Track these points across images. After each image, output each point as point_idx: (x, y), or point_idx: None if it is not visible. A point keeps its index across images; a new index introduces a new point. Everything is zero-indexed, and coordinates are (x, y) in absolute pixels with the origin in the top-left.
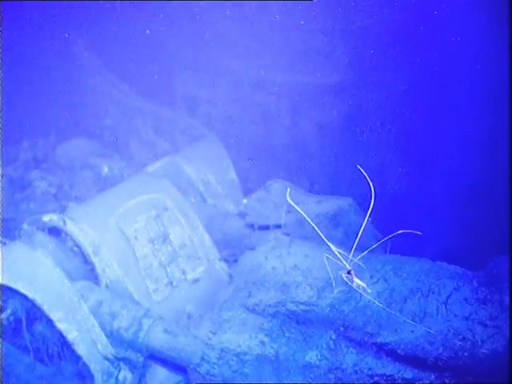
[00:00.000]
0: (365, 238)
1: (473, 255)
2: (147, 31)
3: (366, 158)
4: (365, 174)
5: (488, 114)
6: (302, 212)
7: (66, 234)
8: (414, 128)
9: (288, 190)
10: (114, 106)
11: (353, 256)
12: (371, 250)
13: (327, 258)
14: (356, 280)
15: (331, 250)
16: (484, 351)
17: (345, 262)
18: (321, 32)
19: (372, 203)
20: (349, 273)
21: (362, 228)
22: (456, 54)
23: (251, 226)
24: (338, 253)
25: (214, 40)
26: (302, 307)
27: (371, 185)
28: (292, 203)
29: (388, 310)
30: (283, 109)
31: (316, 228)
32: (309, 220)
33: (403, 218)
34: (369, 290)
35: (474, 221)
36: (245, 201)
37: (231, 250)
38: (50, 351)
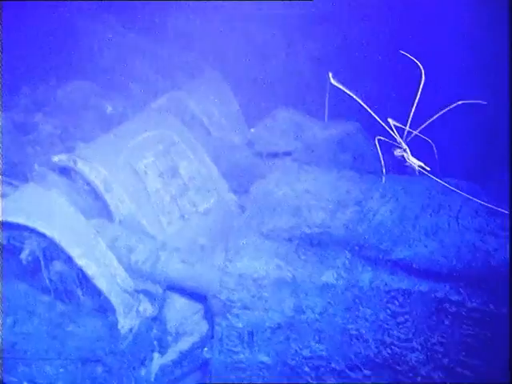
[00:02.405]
0: (370, 161)
1: (478, 170)
2: None
3: (363, 84)
4: (410, 57)
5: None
6: (352, 95)
7: (77, 174)
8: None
9: (330, 74)
10: (110, 46)
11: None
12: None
13: (379, 140)
14: (412, 159)
15: (342, 174)
16: (497, 260)
17: (400, 140)
18: None
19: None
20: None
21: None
22: None
23: (260, 155)
24: (394, 126)
25: None
26: (316, 230)
27: (419, 65)
28: (340, 86)
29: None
30: (278, 41)
31: None
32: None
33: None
34: (428, 168)
35: (478, 137)
36: (252, 130)
37: (240, 180)
38: (68, 289)
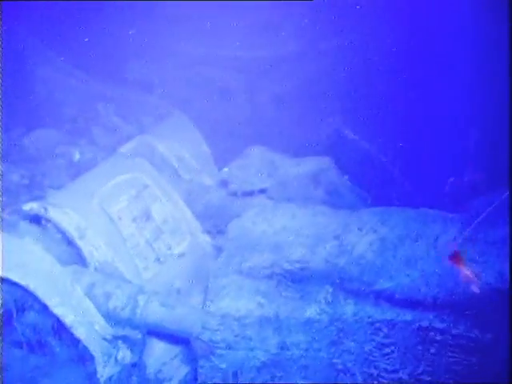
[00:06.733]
0: (344, 195)
1: (451, 200)
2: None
3: (324, 122)
4: None
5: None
6: None
7: (48, 221)
8: (372, 91)
9: None
10: (72, 93)
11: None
12: (355, 206)
13: None
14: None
15: (318, 209)
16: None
17: None
18: (268, 5)
19: None
20: None
21: None
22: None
23: (234, 194)
24: None
25: (159, 22)
26: (296, 265)
27: None
28: None
29: None
30: (238, 84)
31: None
32: None
33: (378, 174)
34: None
35: (448, 167)
36: (226, 169)
37: (214, 221)
38: (42, 340)
